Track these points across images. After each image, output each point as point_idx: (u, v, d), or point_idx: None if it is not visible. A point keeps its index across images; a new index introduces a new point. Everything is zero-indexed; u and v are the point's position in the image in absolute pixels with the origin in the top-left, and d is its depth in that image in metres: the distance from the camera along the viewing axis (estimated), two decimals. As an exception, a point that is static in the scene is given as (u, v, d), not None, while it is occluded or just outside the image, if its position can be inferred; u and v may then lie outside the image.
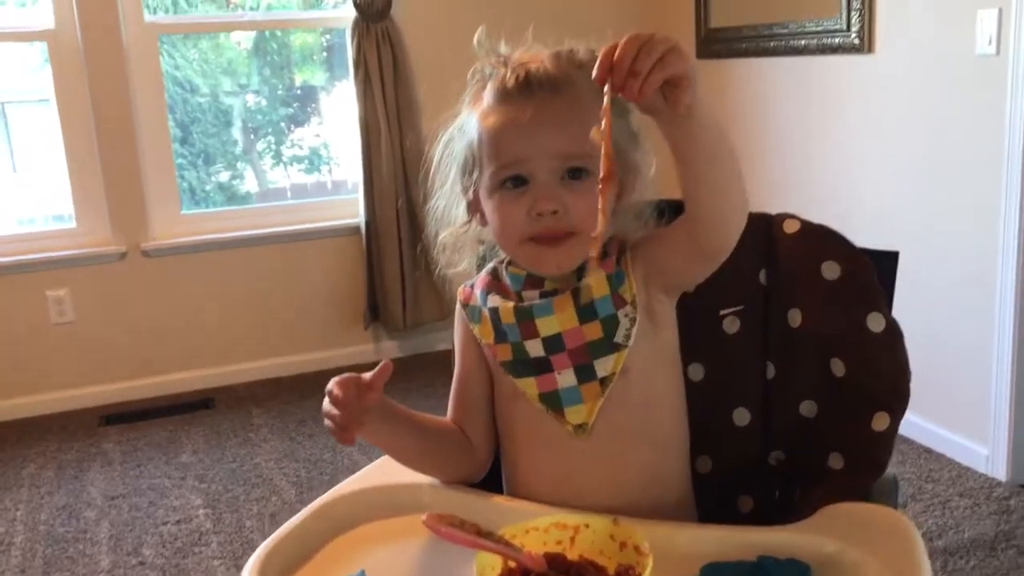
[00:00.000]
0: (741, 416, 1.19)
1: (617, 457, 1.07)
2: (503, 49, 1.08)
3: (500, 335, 1.09)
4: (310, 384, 3.69)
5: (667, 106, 0.86)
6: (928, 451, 2.78)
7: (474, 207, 1.11)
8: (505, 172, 1.03)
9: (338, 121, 3.98)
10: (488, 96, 1.06)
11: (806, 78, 3.19)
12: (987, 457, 2.63)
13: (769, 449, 1.19)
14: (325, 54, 4.06)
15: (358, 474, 1.17)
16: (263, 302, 3.76)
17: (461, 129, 1.09)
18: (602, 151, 0.85)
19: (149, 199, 3.59)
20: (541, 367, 1.07)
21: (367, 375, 1.03)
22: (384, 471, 1.17)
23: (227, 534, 2.56)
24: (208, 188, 3.93)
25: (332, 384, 1.01)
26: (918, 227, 2.78)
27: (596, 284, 1.05)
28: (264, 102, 4.05)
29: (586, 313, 1.05)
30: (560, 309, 1.05)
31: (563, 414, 1.07)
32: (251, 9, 3.89)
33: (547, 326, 1.05)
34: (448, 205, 1.14)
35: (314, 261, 3.80)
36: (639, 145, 1.08)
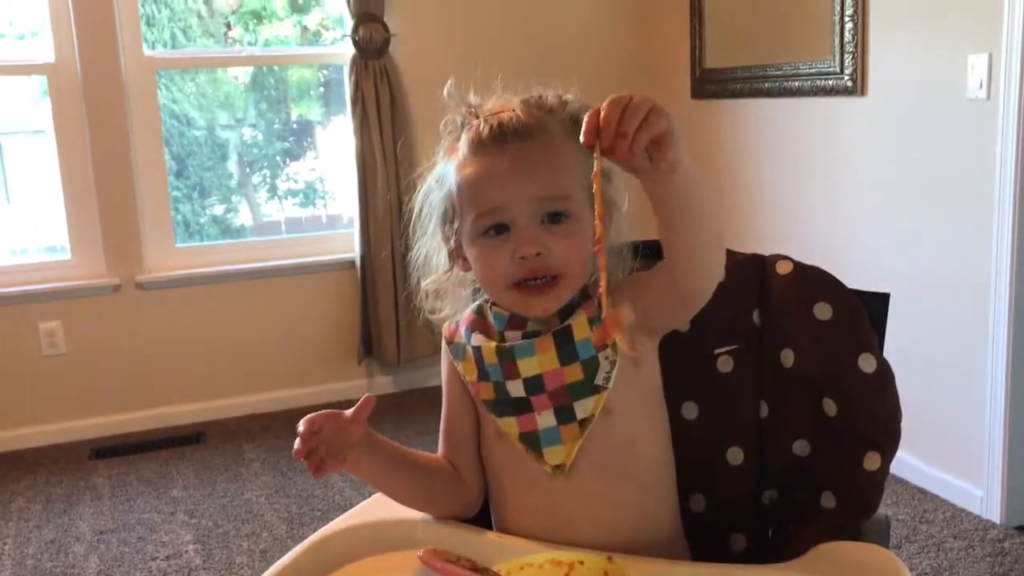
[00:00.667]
0: (735, 455, 1.19)
1: (601, 496, 1.08)
2: (472, 99, 1.11)
3: (483, 374, 1.10)
4: (302, 418, 3.67)
5: (652, 164, 0.87)
6: (922, 492, 2.77)
7: (456, 254, 1.12)
8: (486, 220, 1.04)
9: (334, 156, 4.01)
10: (463, 147, 1.07)
11: (799, 119, 3.23)
12: (981, 499, 2.62)
13: (762, 488, 1.20)
14: (322, 89, 4.10)
15: (352, 511, 1.17)
16: (256, 336, 3.76)
17: (439, 180, 1.11)
18: (595, 213, 0.87)
19: (144, 232, 3.59)
20: (521, 407, 1.08)
21: (349, 411, 1.04)
22: (377, 507, 1.16)
23: (217, 571, 2.53)
24: (202, 221, 3.94)
25: (304, 422, 1.03)
26: (910, 268, 2.79)
27: (577, 326, 1.06)
28: (260, 136, 4.07)
29: (567, 355, 1.06)
30: (541, 351, 1.06)
31: (541, 455, 1.08)
32: (249, 44, 3.92)
33: (528, 367, 1.06)
34: (429, 254, 1.16)
35: (308, 295, 3.81)
36: (611, 182, 1.09)
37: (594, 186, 0.86)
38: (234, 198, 4.04)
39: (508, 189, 1.03)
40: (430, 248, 1.15)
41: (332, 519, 2.96)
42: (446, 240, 1.12)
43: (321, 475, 1.02)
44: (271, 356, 3.78)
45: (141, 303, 3.60)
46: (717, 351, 1.18)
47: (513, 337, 1.08)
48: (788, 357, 1.17)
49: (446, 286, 1.16)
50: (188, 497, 3.01)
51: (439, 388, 4.27)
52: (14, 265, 3.61)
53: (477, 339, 1.11)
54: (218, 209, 4.00)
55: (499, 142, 1.04)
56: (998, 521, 2.58)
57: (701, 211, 0.96)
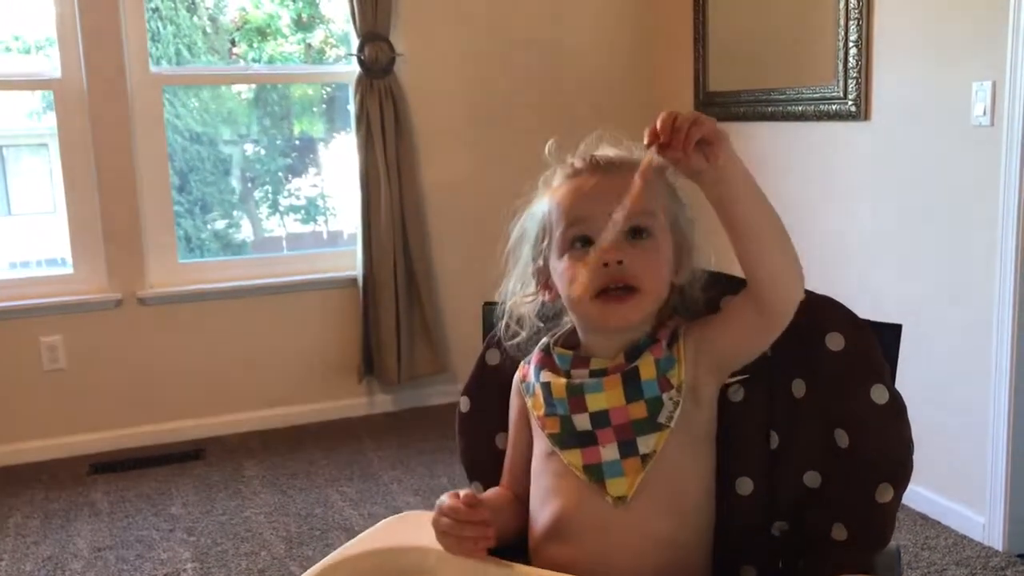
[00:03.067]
0: (744, 485, 1.19)
1: (651, 528, 1.11)
2: (571, 159, 1.19)
3: (550, 408, 1.16)
4: (302, 436, 3.67)
5: (707, 164, 0.99)
6: (924, 518, 2.76)
7: (543, 276, 1.19)
8: (573, 231, 1.12)
9: (336, 172, 4.02)
10: (558, 177, 1.18)
11: (802, 143, 3.24)
12: (984, 526, 2.62)
13: (773, 519, 1.19)
14: (324, 106, 4.11)
15: (359, 536, 1.16)
16: (257, 352, 3.75)
17: (533, 211, 1.20)
18: (639, 170, 1.00)
19: (147, 248, 3.59)
20: (586, 440, 1.13)
21: (464, 501, 1.10)
22: (387, 533, 1.16)
23: (215, 589, 2.52)
24: (204, 236, 3.95)
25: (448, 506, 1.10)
26: (912, 293, 2.79)
27: (644, 367, 1.12)
28: (263, 151, 4.08)
29: (633, 393, 1.11)
30: (609, 387, 1.12)
31: (604, 485, 1.12)
32: (254, 60, 3.94)
33: (595, 402, 1.12)
34: (518, 281, 1.23)
35: (310, 313, 3.80)
36: (694, 230, 1.18)
37: (644, 160, 1.00)
38: (236, 213, 4.04)
39: (594, 203, 1.10)
40: (521, 277, 1.22)
41: (331, 538, 2.94)
42: (535, 259, 1.19)
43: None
44: (272, 373, 3.77)
45: (143, 318, 3.59)
46: (728, 380, 1.18)
47: (579, 375, 1.15)
48: (799, 387, 1.17)
49: (527, 312, 1.23)
50: (187, 514, 3.00)
51: (439, 408, 4.27)
52: (16, 279, 3.61)
53: (546, 376, 1.17)
54: (220, 224, 4.00)
55: (589, 168, 1.15)
56: (1000, 548, 2.57)
57: (767, 214, 1.05)
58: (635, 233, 1.10)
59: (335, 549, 2.89)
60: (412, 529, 1.17)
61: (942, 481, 2.71)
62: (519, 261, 1.22)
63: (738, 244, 1.06)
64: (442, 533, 1.09)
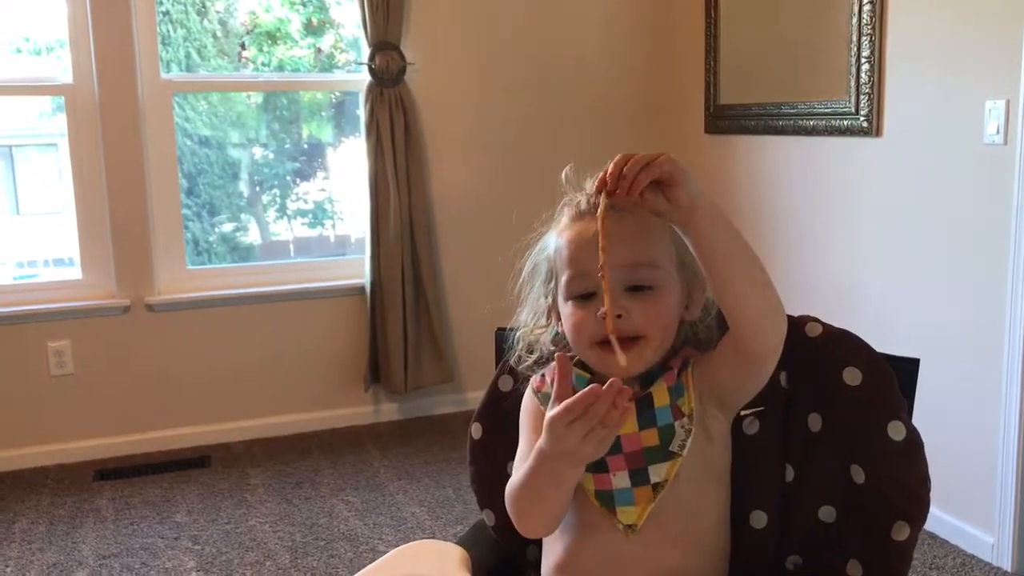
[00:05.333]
0: (758, 519, 1.18)
1: (659, 558, 1.10)
2: (588, 185, 1.17)
3: None
4: (308, 444, 3.67)
5: (672, 206, 0.98)
6: (933, 537, 2.75)
7: (551, 310, 1.19)
8: (575, 286, 1.11)
9: (344, 176, 4.02)
10: (565, 217, 1.16)
11: (813, 158, 3.22)
12: (992, 545, 2.61)
13: (787, 553, 1.19)
14: (333, 110, 4.11)
15: (372, 566, 1.16)
16: (264, 360, 3.75)
17: (544, 245, 1.19)
18: (599, 246, 0.99)
19: (156, 254, 3.59)
20: (598, 467, 1.11)
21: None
22: (400, 563, 1.15)
23: (220, 600, 2.52)
24: (211, 239, 3.95)
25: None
26: (922, 311, 2.78)
27: (657, 394, 1.11)
28: (271, 155, 4.08)
29: (646, 421, 1.10)
30: None
31: (615, 512, 1.11)
32: (264, 65, 3.94)
33: None
34: (531, 312, 1.23)
35: (317, 320, 3.80)
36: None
37: (599, 219, 1.00)
38: (243, 217, 4.04)
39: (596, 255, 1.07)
40: (533, 307, 1.22)
41: (336, 549, 2.94)
42: (545, 296, 1.19)
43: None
44: (278, 380, 3.77)
45: (151, 325, 3.59)
46: (743, 412, 1.17)
47: None
48: (816, 421, 1.16)
49: (541, 339, 1.22)
50: (192, 522, 2.99)
51: (445, 417, 4.25)
52: (25, 284, 3.61)
53: None
54: (227, 228, 4.00)
55: (594, 211, 1.10)
56: (1009, 568, 2.56)
57: (742, 255, 1.02)
58: (635, 288, 1.08)
59: (340, 560, 2.90)
60: (424, 559, 1.17)
61: (951, 501, 2.70)
62: (532, 293, 1.21)
63: (713, 284, 1.05)
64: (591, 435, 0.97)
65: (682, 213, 0.98)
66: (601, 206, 0.99)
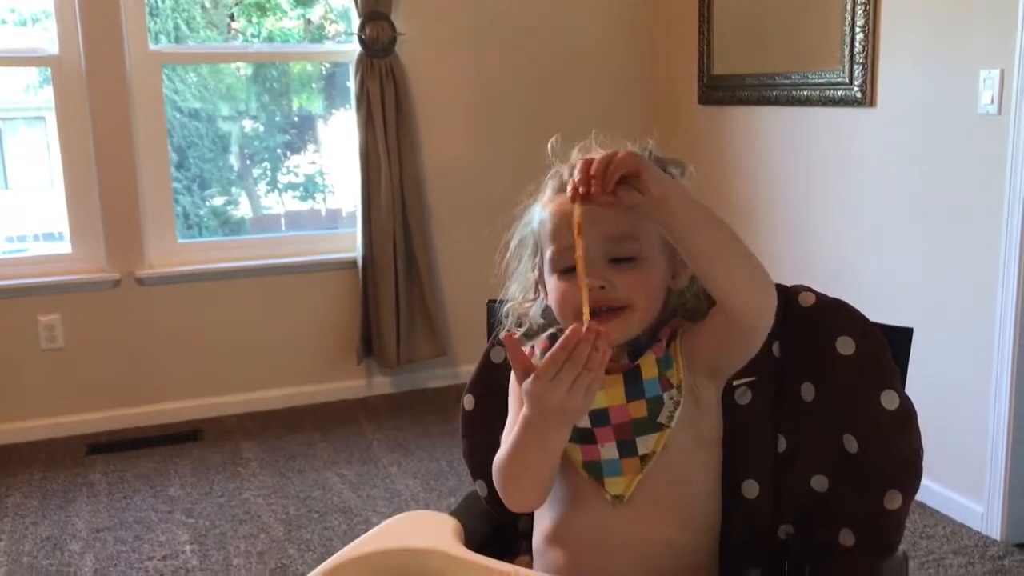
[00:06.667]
0: (750, 488, 1.19)
1: (648, 530, 1.10)
2: (574, 156, 1.17)
3: None
4: (301, 418, 3.67)
5: (641, 197, 0.97)
6: (923, 507, 2.77)
7: (541, 284, 1.19)
8: (558, 260, 1.11)
9: (335, 149, 3.99)
10: (549, 190, 1.17)
11: (806, 128, 3.21)
12: (982, 515, 2.62)
13: (779, 522, 1.19)
14: (323, 82, 4.07)
15: (363, 537, 1.15)
16: (256, 334, 3.74)
17: (527, 222, 1.19)
18: (577, 253, 0.99)
19: (145, 227, 3.57)
20: (586, 438, 1.11)
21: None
22: (393, 533, 1.15)
23: (213, 572, 2.52)
24: (202, 213, 3.92)
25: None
26: (914, 280, 2.78)
27: (645, 367, 1.10)
28: (262, 128, 4.05)
29: (633, 392, 1.09)
30: (610, 386, 1.10)
31: (603, 483, 1.11)
32: (253, 36, 3.90)
33: (595, 400, 1.07)
34: (520, 286, 1.23)
35: (309, 294, 3.79)
36: None
37: (575, 225, 0.99)
38: (234, 190, 4.01)
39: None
40: (520, 280, 1.22)
41: (330, 521, 2.95)
42: (532, 270, 1.19)
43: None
44: (270, 354, 3.76)
45: (141, 298, 3.58)
46: (735, 383, 1.17)
47: None
48: (808, 391, 1.16)
49: (530, 312, 1.22)
50: (185, 496, 3.00)
51: (438, 390, 4.25)
52: (14, 258, 3.60)
53: None
54: (218, 201, 3.98)
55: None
56: (998, 538, 2.58)
57: (719, 235, 1.01)
58: (619, 260, 1.08)
59: (334, 532, 2.90)
60: (418, 529, 1.17)
61: (942, 470, 2.71)
62: (520, 266, 1.21)
63: (697, 269, 1.05)
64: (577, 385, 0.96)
65: (655, 203, 0.98)
66: (576, 212, 0.98)
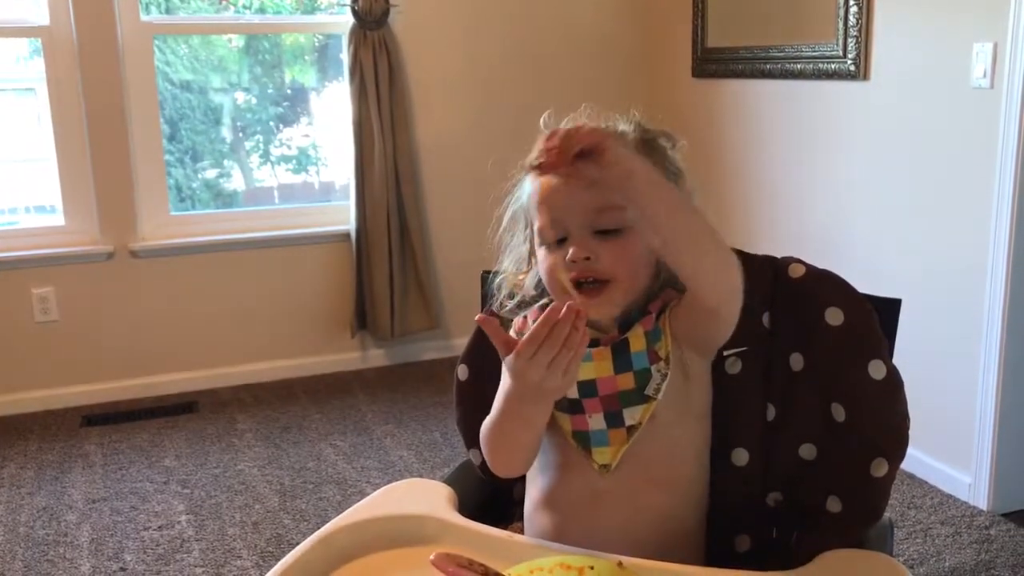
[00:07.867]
0: (739, 456, 1.20)
1: (636, 498, 1.12)
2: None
3: None
4: (295, 390, 3.69)
5: (605, 172, 0.97)
6: (911, 477, 2.80)
7: (532, 255, 1.19)
8: (546, 232, 1.12)
9: (328, 122, 3.98)
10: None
11: (800, 102, 3.21)
12: (969, 485, 2.66)
13: (767, 490, 1.21)
14: (316, 54, 4.05)
15: (359, 504, 1.17)
16: (250, 306, 3.75)
17: (518, 196, 1.20)
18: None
19: (139, 200, 3.57)
20: (574, 408, 1.13)
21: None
22: (387, 500, 1.16)
23: (209, 541, 2.54)
24: (195, 186, 3.91)
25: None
26: (906, 253, 2.80)
27: (634, 339, 1.11)
28: (254, 100, 4.03)
29: (621, 365, 1.11)
30: (599, 358, 1.11)
31: (591, 452, 1.13)
32: (245, 7, 3.87)
33: (584, 372, 1.10)
34: (513, 258, 1.23)
35: (303, 267, 3.79)
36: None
37: None
38: (227, 163, 4.00)
39: (565, 200, 1.10)
40: (514, 253, 1.22)
41: (325, 492, 2.96)
42: (525, 242, 1.20)
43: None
44: (264, 327, 3.77)
45: (134, 271, 3.58)
46: (725, 352, 1.18)
47: None
48: (797, 361, 1.18)
49: (524, 283, 1.22)
50: (181, 467, 3.02)
51: (432, 362, 4.26)
52: (7, 230, 3.58)
53: None
54: (210, 174, 3.96)
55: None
56: (985, 508, 2.62)
57: (681, 214, 1.01)
58: (602, 233, 1.08)
59: (328, 502, 2.93)
60: (412, 496, 1.18)
61: (929, 441, 2.74)
62: (513, 239, 1.22)
63: (662, 248, 1.04)
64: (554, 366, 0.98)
65: (617, 180, 0.97)
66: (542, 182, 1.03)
